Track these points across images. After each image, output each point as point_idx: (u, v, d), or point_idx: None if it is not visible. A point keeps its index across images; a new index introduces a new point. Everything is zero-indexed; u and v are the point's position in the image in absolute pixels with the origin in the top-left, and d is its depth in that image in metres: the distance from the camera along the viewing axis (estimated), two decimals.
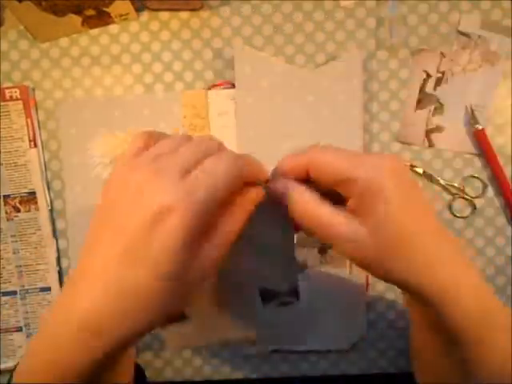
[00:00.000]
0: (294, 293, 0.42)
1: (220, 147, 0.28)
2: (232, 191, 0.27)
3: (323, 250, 0.45)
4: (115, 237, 0.25)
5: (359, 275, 0.45)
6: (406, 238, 0.27)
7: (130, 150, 0.27)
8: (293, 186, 0.29)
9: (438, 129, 0.45)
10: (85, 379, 0.25)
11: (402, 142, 0.45)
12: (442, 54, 0.45)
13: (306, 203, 0.28)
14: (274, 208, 0.30)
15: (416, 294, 0.28)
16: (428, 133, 0.45)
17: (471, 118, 0.44)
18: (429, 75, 0.45)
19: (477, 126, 0.44)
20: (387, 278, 0.29)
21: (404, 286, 0.29)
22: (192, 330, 0.40)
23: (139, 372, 0.42)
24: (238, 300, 0.39)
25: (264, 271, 0.35)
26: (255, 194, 0.29)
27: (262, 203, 0.29)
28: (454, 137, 0.45)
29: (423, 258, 0.27)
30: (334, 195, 0.29)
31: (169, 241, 0.24)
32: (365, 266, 0.29)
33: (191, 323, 0.38)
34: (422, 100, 0.45)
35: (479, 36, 0.44)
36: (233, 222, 0.28)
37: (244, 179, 0.28)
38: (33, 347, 0.27)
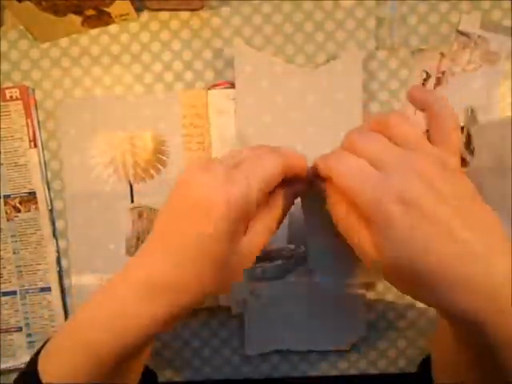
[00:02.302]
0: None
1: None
2: (275, 184, 0.31)
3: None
4: (176, 217, 0.30)
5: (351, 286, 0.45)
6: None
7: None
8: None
9: None
10: (141, 339, 0.30)
11: None
12: (442, 54, 0.45)
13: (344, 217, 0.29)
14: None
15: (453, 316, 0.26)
16: (428, 133, 0.45)
17: (471, 118, 0.44)
18: (429, 75, 0.45)
19: (477, 126, 0.44)
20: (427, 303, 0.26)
21: (445, 313, 0.26)
22: None
23: (152, 376, 0.43)
24: None
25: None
26: (297, 188, 0.33)
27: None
28: None
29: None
30: None
31: (217, 225, 0.28)
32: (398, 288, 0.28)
33: None
34: None
35: (479, 36, 0.44)
36: (274, 213, 0.32)
37: (285, 173, 0.31)
38: (97, 301, 0.31)
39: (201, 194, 0.28)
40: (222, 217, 0.28)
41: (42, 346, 0.33)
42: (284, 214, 0.33)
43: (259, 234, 0.31)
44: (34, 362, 0.32)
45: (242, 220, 0.29)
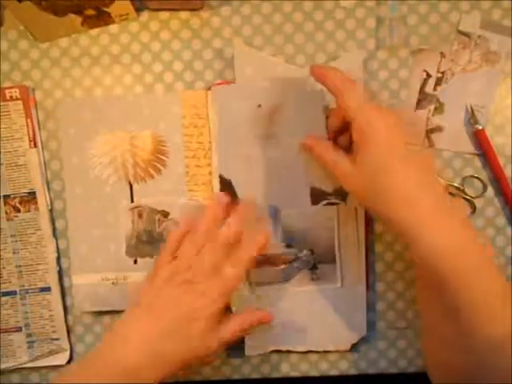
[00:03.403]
0: (340, 193, 0.44)
1: (236, 236, 0.40)
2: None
3: (313, 265, 0.45)
4: (159, 319, 0.37)
5: (351, 288, 0.45)
6: (387, 177, 0.34)
7: (162, 263, 0.40)
8: (317, 141, 0.41)
9: (438, 129, 0.45)
10: None
11: None
12: (442, 54, 0.45)
13: (321, 149, 0.40)
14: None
15: (394, 226, 0.35)
16: (428, 133, 0.45)
17: (471, 118, 0.44)
18: (429, 75, 0.45)
19: (477, 125, 0.44)
20: (374, 210, 0.37)
21: (385, 219, 0.35)
22: None
23: None
24: None
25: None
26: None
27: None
28: (454, 137, 0.45)
29: (402, 194, 0.34)
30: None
31: (196, 331, 0.37)
32: (357, 198, 0.38)
33: None
34: (422, 100, 0.45)
35: (479, 36, 0.44)
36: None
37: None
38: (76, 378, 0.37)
39: (191, 306, 0.38)
40: (208, 320, 0.38)
41: None
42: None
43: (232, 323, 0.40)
44: None
45: (219, 317, 0.39)
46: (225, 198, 0.42)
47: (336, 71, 0.38)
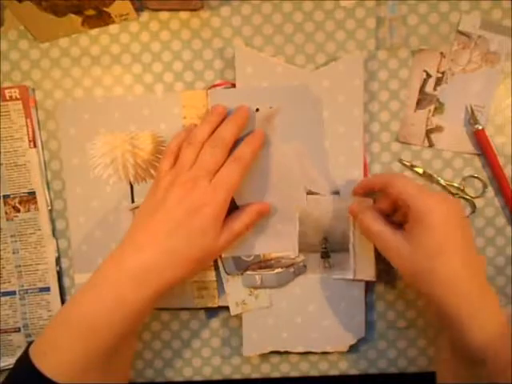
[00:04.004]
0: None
1: (227, 141, 0.40)
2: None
3: (326, 254, 0.45)
4: (165, 219, 0.38)
5: (362, 280, 0.45)
6: (438, 260, 0.35)
7: (164, 165, 0.40)
8: (362, 209, 0.42)
9: (438, 129, 0.45)
10: (138, 322, 0.38)
11: (402, 142, 0.45)
12: (442, 54, 0.45)
13: (369, 220, 0.40)
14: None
15: (441, 309, 0.36)
16: (428, 133, 0.45)
17: (471, 118, 0.44)
18: (429, 75, 0.45)
19: (477, 126, 0.44)
20: (423, 289, 0.37)
21: (429, 297, 0.36)
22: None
23: None
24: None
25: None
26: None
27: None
28: (454, 137, 0.45)
29: (448, 276, 0.35)
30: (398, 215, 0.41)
31: (204, 223, 0.38)
32: (403, 273, 0.38)
33: None
34: (422, 100, 0.45)
35: (479, 36, 0.44)
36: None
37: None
38: (93, 293, 0.37)
39: (196, 199, 0.38)
40: (211, 214, 0.38)
41: (28, 346, 0.36)
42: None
43: (238, 221, 0.41)
44: (25, 360, 0.35)
45: (223, 215, 0.39)
46: (221, 108, 0.42)
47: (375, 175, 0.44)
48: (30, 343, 0.36)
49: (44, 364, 0.34)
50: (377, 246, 0.40)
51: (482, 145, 0.44)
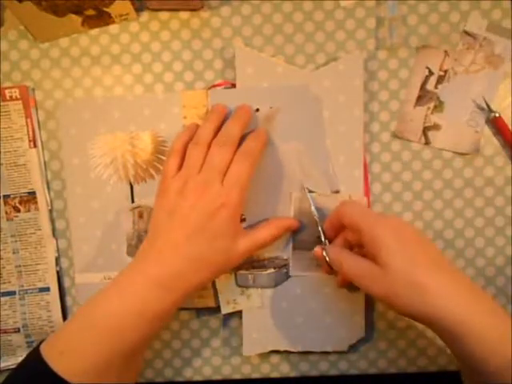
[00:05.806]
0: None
1: (234, 138, 0.40)
2: None
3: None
4: (182, 225, 0.37)
5: None
6: (410, 280, 0.33)
7: (169, 169, 0.40)
8: (333, 250, 0.40)
9: (436, 127, 0.45)
10: (158, 329, 0.39)
11: (399, 137, 0.45)
12: (446, 53, 0.44)
13: (340, 256, 0.39)
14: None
15: (432, 325, 0.34)
16: (425, 130, 0.45)
17: (486, 107, 0.44)
18: (431, 72, 0.45)
19: (493, 113, 0.44)
20: (408, 311, 0.34)
21: (423, 318, 0.34)
22: None
23: None
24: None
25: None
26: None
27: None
28: (451, 135, 0.45)
29: (433, 293, 0.33)
30: None
31: (222, 226, 0.38)
32: (382, 300, 0.36)
33: None
34: (423, 97, 0.45)
35: (484, 38, 0.44)
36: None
37: None
38: (116, 298, 0.37)
39: (213, 202, 0.37)
40: (228, 216, 0.38)
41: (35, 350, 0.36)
42: None
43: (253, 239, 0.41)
44: (37, 358, 0.35)
45: (238, 215, 0.39)
46: (222, 107, 0.42)
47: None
48: (40, 341, 0.36)
49: (58, 363, 0.34)
50: (352, 279, 0.37)
51: (501, 132, 0.44)
